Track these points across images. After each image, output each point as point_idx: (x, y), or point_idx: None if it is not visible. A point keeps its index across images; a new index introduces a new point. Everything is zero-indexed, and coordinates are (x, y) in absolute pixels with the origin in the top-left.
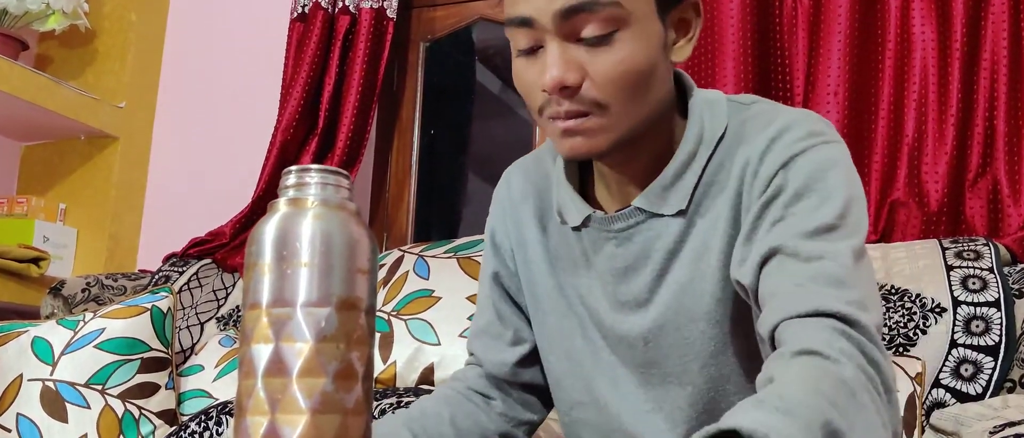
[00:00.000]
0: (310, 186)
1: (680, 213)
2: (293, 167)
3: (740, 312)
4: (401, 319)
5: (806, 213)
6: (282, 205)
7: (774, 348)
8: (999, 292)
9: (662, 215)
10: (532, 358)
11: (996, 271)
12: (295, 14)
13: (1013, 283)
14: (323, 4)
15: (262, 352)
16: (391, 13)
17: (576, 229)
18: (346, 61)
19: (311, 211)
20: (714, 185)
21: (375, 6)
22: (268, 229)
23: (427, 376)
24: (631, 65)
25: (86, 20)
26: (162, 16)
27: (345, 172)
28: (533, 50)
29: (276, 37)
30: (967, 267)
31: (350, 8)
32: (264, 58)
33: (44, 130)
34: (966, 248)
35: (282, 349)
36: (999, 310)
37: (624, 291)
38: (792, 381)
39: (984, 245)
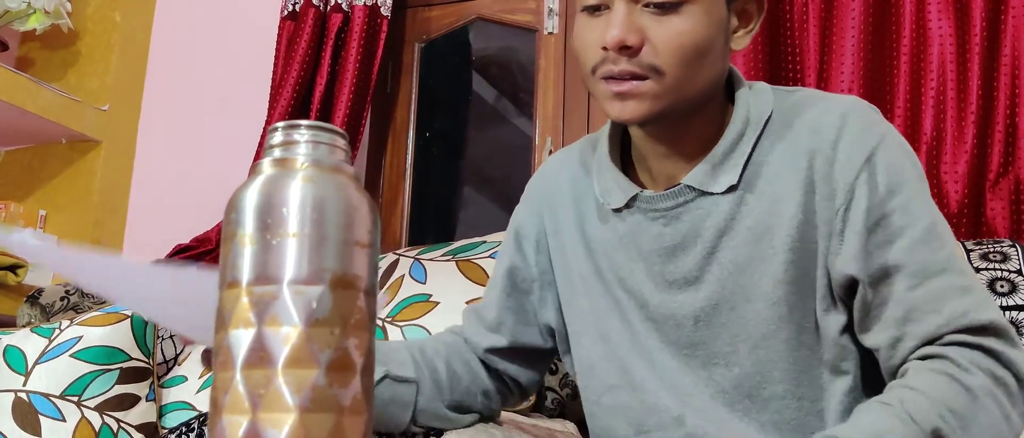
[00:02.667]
0: (300, 144)
1: (730, 190)
2: (280, 123)
3: (799, 297)
4: (397, 325)
5: (912, 222)
6: (267, 166)
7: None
8: None
9: (711, 193)
10: (508, 353)
11: None
12: (285, 12)
13: None
14: (315, 2)
15: (242, 338)
16: (385, 11)
17: (618, 211)
18: (338, 60)
19: (301, 173)
20: (766, 165)
21: (369, 3)
22: (250, 194)
23: None
24: (692, 38)
25: (69, 20)
26: (148, 16)
27: (341, 130)
28: (597, 9)
29: (266, 36)
30: (994, 269)
31: (343, 6)
32: (253, 58)
33: (24, 134)
34: (992, 250)
35: (266, 334)
36: None
37: (672, 270)
38: (918, 386)
39: (1011, 247)
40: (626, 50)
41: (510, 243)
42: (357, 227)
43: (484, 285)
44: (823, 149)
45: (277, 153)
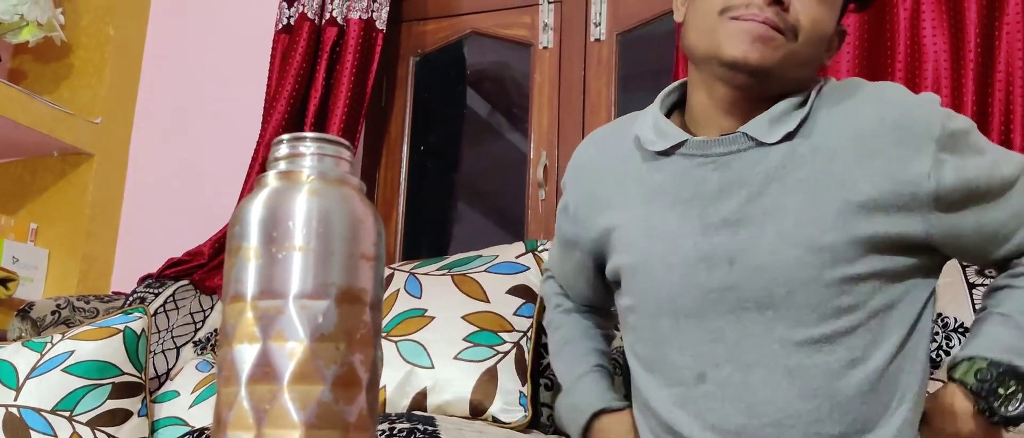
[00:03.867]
0: (305, 157)
1: (785, 139)
2: (285, 135)
3: (846, 246)
4: (391, 340)
5: (989, 158)
6: (272, 179)
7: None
8: None
9: (765, 144)
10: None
11: None
12: (280, 25)
13: None
14: (309, 15)
15: (246, 354)
16: (380, 25)
17: (662, 155)
18: (333, 74)
19: (306, 186)
20: (822, 123)
21: (364, 17)
22: (255, 207)
23: (419, 402)
24: (825, 22)
25: (62, 33)
26: (141, 29)
27: (346, 142)
28: None
29: (260, 49)
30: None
31: (338, 19)
32: (247, 71)
33: (16, 146)
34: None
35: (271, 349)
36: None
37: (713, 212)
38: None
39: None
40: (778, 3)
41: (561, 215)
42: (363, 240)
43: (480, 299)
44: (888, 123)
45: (282, 165)
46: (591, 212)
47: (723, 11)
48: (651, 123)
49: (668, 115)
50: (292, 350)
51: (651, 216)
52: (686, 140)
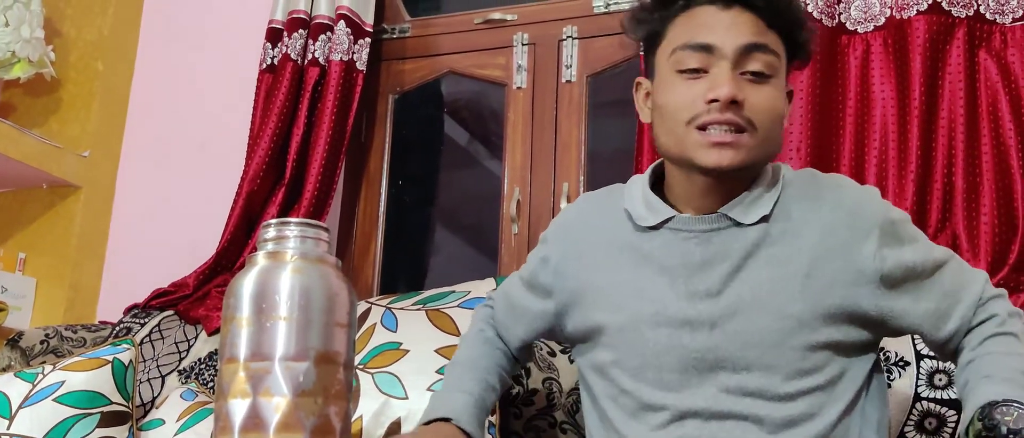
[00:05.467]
0: (289, 239)
1: (761, 221)
2: (272, 220)
3: (809, 314)
4: (368, 372)
5: (922, 244)
6: (261, 258)
7: (956, 345)
8: None
9: (742, 224)
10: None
11: None
12: (264, 65)
13: None
14: (293, 56)
15: (239, 407)
16: (361, 66)
17: (650, 229)
18: (314, 112)
19: (290, 264)
20: (791, 209)
21: (345, 59)
22: (246, 282)
23: (394, 430)
24: (776, 106)
25: (52, 68)
26: (129, 65)
27: (325, 226)
28: (697, 72)
29: (244, 88)
30: None
31: (320, 60)
32: (232, 108)
33: (5, 178)
34: None
35: (260, 404)
36: None
37: (696, 282)
38: (1002, 353)
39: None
40: (734, 105)
41: (535, 263)
42: (338, 310)
43: (452, 333)
44: (844, 212)
45: (270, 247)
46: (576, 268)
47: (689, 121)
48: (641, 199)
49: (653, 187)
50: (277, 404)
51: (641, 280)
52: (673, 216)
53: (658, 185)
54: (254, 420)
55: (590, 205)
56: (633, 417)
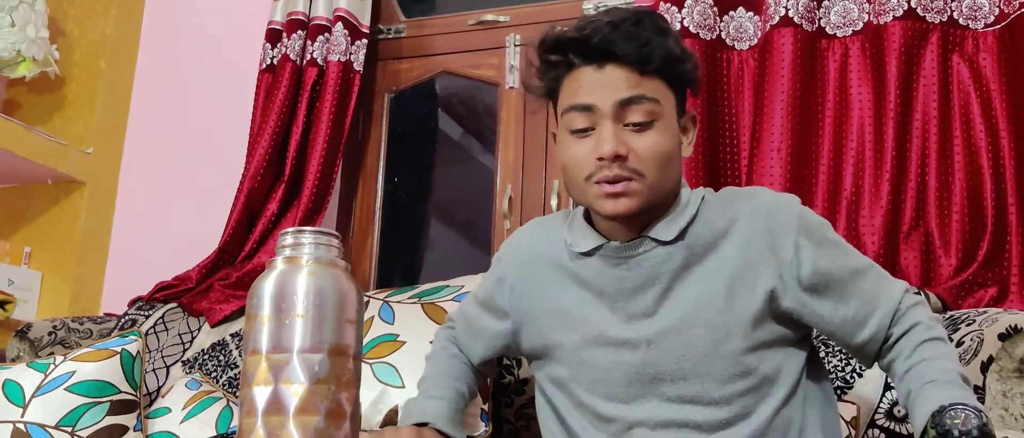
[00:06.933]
0: (304, 246)
1: (678, 238)
2: (289, 229)
3: (735, 323)
4: (366, 363)
5: (839, 251)
6: (279, 263)
7: (872, 350)
8: None
9: (665, 243)
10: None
11: None
12: (264, 65)
13: None
14: (292, 56)
15: (262, 393)
16: (358, 66)
17: (585, 255)
18: (313, 111)
19: (305, 268)
20: (709, 227)
21: (342, 59)
22: (267, 285)
23: (391, 418)
24: (662, 147)
25: (56, 67)
26: (131, 64)
27: (336, 233)
28: (586, 131)
29: (245, 87)
30: None
31: (318, 61)
32: (232, 106)
33: (12, 174)
34: None
35: (280, 390)
36: None
37: (633, 306)
38: (936, 357)
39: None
40: (618, 159)
41: (491, 283)
42: (348, 308)
43: None
44: (760, 220)
45: (287, 252)
46: (530, 290)
47: (587, 177)
48: (577, 227)
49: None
50: (296, 391)
51: (583, 304)
52: (603, 244)
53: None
54: (275, 405)
55: (539, 232)
56: (592, 426)
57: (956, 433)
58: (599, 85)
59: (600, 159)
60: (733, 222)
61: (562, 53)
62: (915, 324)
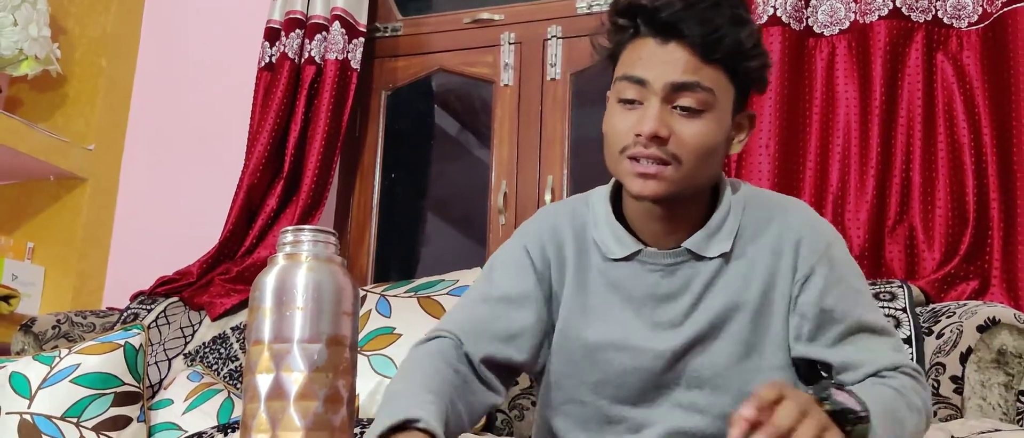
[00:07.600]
0: (304, 243)
1: (721, 256)
2: (289, 228)
3: (756, 339)
4: (364, 354)
5: (855, 296)
6: (280, 259)
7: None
8: (911, 330)
9: (704, 258)
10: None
11: (909, 311)
12: (263, 63)
13: (923, 322)
14: (290, 55)
15: (265, 380)
16: (355, 64)
17: (616, 261)
18: (311, 109)
19: (305, 264)
20: (746, 243)
21: (340, 58)
22: (269, 279)
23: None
24: (707, 139)
25: (58, 65)
26: (131, 62)
27: (334, 231)
28: (633, 102)
29: (244, 85)
30: (883, 308)
31: (316, 59)
32: (231, 105)
33: (14, 171)
34: (883, 290)
35: (282, 378)
36: (911, 346)
37: (661, 314)
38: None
39: (899, 287)
40: (657, 139)
41: (520, 270)
42: (344, 301)
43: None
44: (790, 238)
45: (288, 249)
46: (557, 274)
47: (622, 150)
48: (608, 229)
49: (613, 203)
50: (296, 378)
51: (608, 306)
52: (641, 250)
53: (618, 199)
54: (277, 391)
55: (561, 221)
56: (583, 428)
57: (836, 399)
58: (658, 61)
59: (638, 135)
60: (766, 233)
61: (631, 18)
62: (897, 379)
